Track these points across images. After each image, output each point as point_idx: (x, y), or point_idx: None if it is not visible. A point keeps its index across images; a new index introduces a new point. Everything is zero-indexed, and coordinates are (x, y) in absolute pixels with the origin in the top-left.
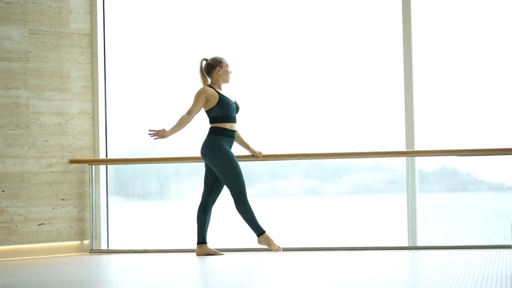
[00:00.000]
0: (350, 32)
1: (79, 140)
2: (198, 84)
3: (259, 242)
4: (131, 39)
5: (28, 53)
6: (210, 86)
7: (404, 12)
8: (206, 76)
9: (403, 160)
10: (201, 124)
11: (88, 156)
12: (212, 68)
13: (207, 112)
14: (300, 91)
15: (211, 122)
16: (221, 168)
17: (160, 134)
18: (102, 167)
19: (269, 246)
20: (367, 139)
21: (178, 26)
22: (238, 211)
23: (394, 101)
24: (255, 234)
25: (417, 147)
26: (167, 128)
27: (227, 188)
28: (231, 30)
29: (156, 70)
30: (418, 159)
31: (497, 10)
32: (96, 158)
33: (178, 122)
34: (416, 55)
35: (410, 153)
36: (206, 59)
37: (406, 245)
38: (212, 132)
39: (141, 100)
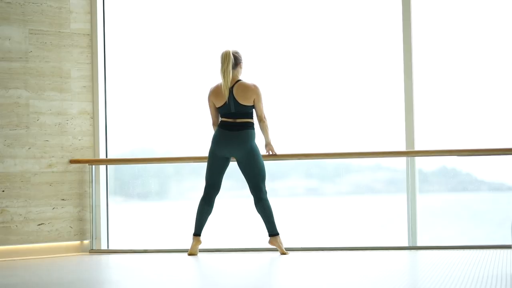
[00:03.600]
0: (350, 32)
1: (79, 140)
2: (200, 82)
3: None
4: (131, 39)
5: (28, 53)
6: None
7: (404, 12)
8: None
9: (403, 160)
10: (201, 124)
11: (88, 156)
12: (239, 62)
13: (250, 107)
14: (300, 91)
15: (251, 117)
16: (259, 159)
17: (273, 150)
18: (102, 167)
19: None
20: (367, 139)
21: (178, 25)
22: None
23: (394, 101)
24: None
25: (417, 147)
26: (267, 140)
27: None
28: (231, 29)
29: (156, 70)
30: (418, 159)
31: (497, 10)
32: (96, 158)
33: (267, 129)
34: (416, 55)
35: (410, 153)
36: (233, 51)
37: (406, 245)
38: (253, 127)
39: (141, 100)
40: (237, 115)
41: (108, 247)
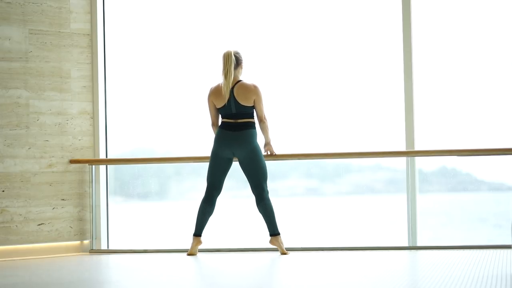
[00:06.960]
0: (350, 32)
1: (79, 140)
2: (200, 82)
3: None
4: (131, 39)
5: (28, 53)
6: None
7: (404, 12)
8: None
9: (403, 160)
10: (201, 125)
11: (88, 156)
12: (240, 63)
13: (251, 107)
14: (300, 91)
15: (251, 117)
16: (262, 158)
17: (272, 151)
18: (102, 167)
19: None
20: (367, 139)
21: (178, 25)
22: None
23: (394, 101)
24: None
25: (417, 147)
26: (267, 140)
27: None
28: (231, 29)
29: (156, 70)
30: (418, 159)
31: (497, 10)
32: (96, 158)
33: (267, 129)
34: (416, 55)
35: (410, 153)
36: (234, 52)
37: (406, 245)
38: (254, 126)
39: (141, 100)
40: (238, 116)
41: (108, 247)
